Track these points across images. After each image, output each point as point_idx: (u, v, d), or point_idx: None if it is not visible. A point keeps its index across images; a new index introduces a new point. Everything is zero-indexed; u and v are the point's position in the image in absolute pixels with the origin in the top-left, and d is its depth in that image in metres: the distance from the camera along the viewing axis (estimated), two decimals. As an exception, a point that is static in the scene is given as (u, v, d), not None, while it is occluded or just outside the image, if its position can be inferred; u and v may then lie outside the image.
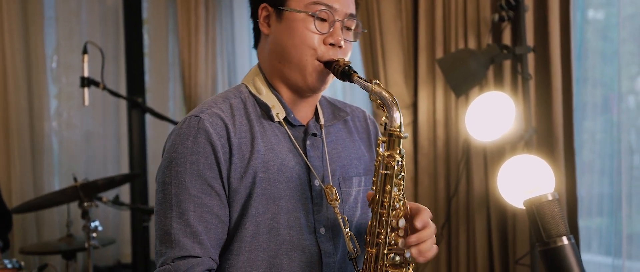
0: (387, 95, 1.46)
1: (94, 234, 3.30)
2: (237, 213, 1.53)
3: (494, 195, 3.13)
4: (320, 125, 1.66)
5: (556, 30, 2.94)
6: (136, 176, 4.08)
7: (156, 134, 5.02)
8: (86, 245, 3.31)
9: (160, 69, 5.09)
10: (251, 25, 1.68)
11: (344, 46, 1.57)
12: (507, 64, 3.12)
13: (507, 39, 3.11)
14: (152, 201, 4.80)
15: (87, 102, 3.73)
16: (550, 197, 1.53)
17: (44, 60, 4.62)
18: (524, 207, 1.57)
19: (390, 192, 1.46)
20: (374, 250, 1.48)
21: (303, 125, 1.63)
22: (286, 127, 1.60)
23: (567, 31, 2.94)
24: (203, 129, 1.51)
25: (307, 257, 1.56)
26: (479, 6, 3.23)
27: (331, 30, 1.56)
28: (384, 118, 1.48)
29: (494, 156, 3.21)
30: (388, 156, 1.46)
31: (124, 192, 4.49)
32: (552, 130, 2.98)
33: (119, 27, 4.98)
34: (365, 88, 1.49)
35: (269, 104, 1.59)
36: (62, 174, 4.76)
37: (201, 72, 4.67)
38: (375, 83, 1.48)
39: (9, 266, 3.11)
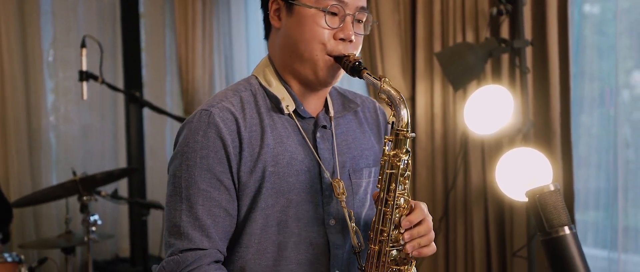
0: (395, 93, 1.46)
1: (93, 228, 3.32)
2: (247, 206, 1.55)
3: (492, 188, 3.14)
4: (330, 117, 1.66)
5: (554, 23, 2.95)
6: (134, 170, 4.09)
7: (154, 129, 5.02)
8: (85, 239, 3.32)
9: (157, 63, 5.09)
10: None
11: (354, 40, 1.56)
12: (505, 57, 3.13)
13: (505, 32, 3.11)
14: (150, 195, 4.80)
15: (85, 96, 3.74)
16: (552, 188, 1.55)
17: (40, 54, 4.59)
18: (526, 198, 1.59)
19: (395, 191, 1.47)
20: (377, 247, 1.49)
21: (313, 118, 1.63)
22: (296, 119, 1.60)
23: (564, 25, 2.94)
24: (213, 123, 1.52)
25: (315, 249, 1.58)
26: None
27: (342, 24, 1.55)
28: (391, 117, 1.48)
29: (492, 149, 3.22)
30: (393, 156, 1.47)
31: (122, 186, 4.49)
32: (549, 123, 2.99)
33: (116, 21, 4.97)
34: (374, 85, 1.49)
35: (279, 96, 1.59)
36: (60, 169, 4.75)
37: (198, 66, 4.68)
38: (384, 80, 1.47)
39: (9, 259, 3.11)
